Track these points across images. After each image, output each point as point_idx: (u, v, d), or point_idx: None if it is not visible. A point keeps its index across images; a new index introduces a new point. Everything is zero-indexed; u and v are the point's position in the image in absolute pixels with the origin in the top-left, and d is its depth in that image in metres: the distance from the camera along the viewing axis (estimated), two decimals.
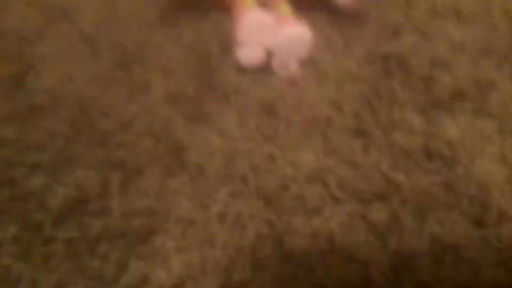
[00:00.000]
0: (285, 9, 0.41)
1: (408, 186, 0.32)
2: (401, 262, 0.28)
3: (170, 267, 0.29)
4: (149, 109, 0.37)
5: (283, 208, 0.31)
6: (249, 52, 0.40)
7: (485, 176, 0.32)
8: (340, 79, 0.39)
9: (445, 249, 0.29)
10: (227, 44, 0.41)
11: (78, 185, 0.33)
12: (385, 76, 0.39)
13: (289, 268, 0.28)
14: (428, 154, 0.34)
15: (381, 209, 0.31)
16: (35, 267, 0.29)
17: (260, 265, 0.29)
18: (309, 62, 0.40)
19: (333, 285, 0.28)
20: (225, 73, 0.40)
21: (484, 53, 0.40)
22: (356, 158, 0.34)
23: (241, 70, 0.40)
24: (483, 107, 0.36)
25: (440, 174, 0.32)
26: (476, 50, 0.40)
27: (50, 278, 0.28)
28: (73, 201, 0.32)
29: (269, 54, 0.40)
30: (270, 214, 0.31)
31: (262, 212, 0.31)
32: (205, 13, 0.45)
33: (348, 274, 0.28)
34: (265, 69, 0.40)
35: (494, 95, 0.37)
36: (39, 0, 0.49)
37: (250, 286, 0.28)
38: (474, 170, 0.32)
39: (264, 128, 0.36)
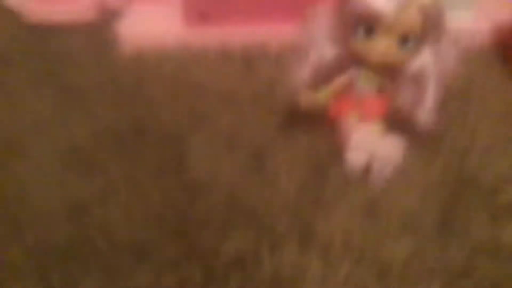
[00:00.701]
0: (379, 126, 0.55)
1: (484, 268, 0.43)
2: None
3: None
4: (282, 195, 0.50)
5: None
6: (355, 157, 0.53)
7: None
8: (425, 185, 0.51)
9: None
10: (336, 148, 0.55)
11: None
12: (460, 185, 0.51)
13: None
14: (496, 246, 0.45)
15: None
16: None
17: None
18: (400, 169, 0.53)
19: None
20: (336, 170, 0.53)
21: None
22: (442, 243, 0.45)
23: (349, 170, 0.53)
24: None
25: (508, 260, 0.44)
26: None
27: None
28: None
29: (370, 160, 0.53)
30: None
31: None
32: (316, 124, 0.59)
33: None
34: (367, 171, 0.53)
35: None
36: (184, 104, 0.64)
37: None
38: None
39: (369, 218, 0.48)
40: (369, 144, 0.52)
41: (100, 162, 0.54)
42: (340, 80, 0.58)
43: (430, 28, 0.54)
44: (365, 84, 0.57)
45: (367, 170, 0.53)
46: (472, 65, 0.71)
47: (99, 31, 0.81)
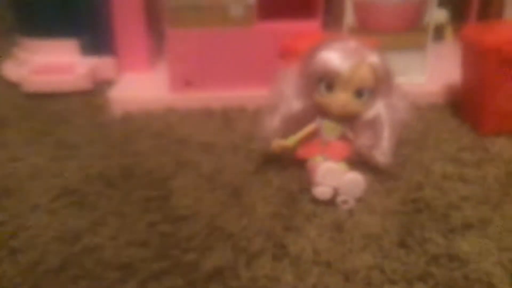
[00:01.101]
0: (343, 165, 0.62)
1: (440, 275, 0.48)
2: None
3: None
4: (257, 222, 0.56)
5: None
6: (321, 191, 0.59)
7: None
8: (385, 212, 0.57)
9: None
10: (305, 185, 0.61)
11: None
12: (416, 212, 0.57)
13: None
14: (450, 257, 0.50)
15: None
16: None
17: None
18: (362, 200, 0.59)
19: None
20: (305, 204, 0.59)
21: (483, 201, 0.59)
22: (400, 257, 0.50)
23: (316, 202, 0.59)
24: (485, 233, 0.54)
25: (457, 269, 0.49)
26: (476, 198, 0.60)
27: None
28: None
29: (335, 193, 0.59)
30: None
31: None
32: (287, 166, 0.66)
33: None
34: (332, 203, 0.59)
35: (491, 226, 0.55)
36: (169, 154, 0.70)
37: None
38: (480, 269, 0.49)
39: (335, 238, 0.53)
40: (333, 179, 0.59)
41: (91, 201, 0.60)
42: (307, 128, 0.66)
43: (380, 82, 0.63)
44: (328, 131, 0.65)
45: (332, 202, 0.59)
46: (428, 119, 0.81)
47: (92, 96, 0.89)
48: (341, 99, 0.63)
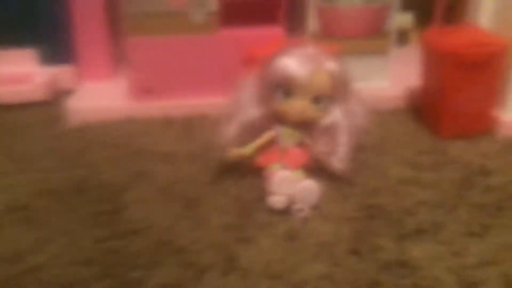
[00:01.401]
0: (300, 173, 0.61)
1: (390, 283, 0.48)
2: None
3: None
4: (209, 234, 0.55)
5: None
6: (276, 200, 0.58)
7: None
8: (339, 219, 0.57)
9: None
10: (261, 194, 0.60)
11: None
12: (370, 218, 0.57)
13: None
14: (400, 264, 0.50)
15: None
16: None
17: None
18: (317, 208, 0.59)
19: None
20: (260, 213, 0.58)
21: (438, 205, 0.59)
22: (351, 265, 0.50)
23: (272, 211, 0.58)
24: (437, 238, 0.54)
25: (407, 277, 0.48)
26: (431, 202, 0.59)
27: None
28: None
29: (290, 201, 0.58)
30: None
31: None
32: (244, 175, 0.65)
33: None
34: (287, 211, 0.58)
35: (444, 231, 0.55)
36: (125, 165, 0.69)
37: None
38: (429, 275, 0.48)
39: (288, 248, 0.53)
40: (288, 188, 0.58)
41: (38, 217, 0.58)
42: (265, 136, 0.65)
43: (338, 88, 0.63)
44: (286, 138, 0.64)
45: (288, 211, 0.58)
46: (389, 123, 0.81)
47: (50, 107, 0.87)
48: (298, 105, 0.62)
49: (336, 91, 0.63)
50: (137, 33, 0.81)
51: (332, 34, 0.86)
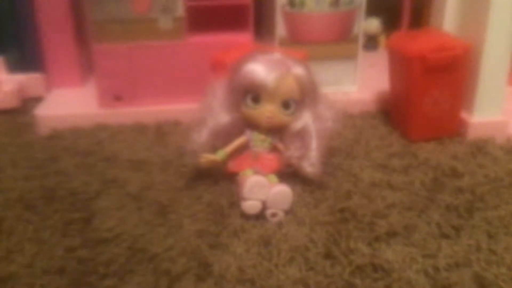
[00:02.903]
0: (273, 178, 0.62)
1: (363, 286, 0.48)
2: None
3: None
4: (183, 241, 0.54)
5: None
6: (249, 205, 0.58)
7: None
8: (313, 223, 0.57)
9: None
10: (234, 200, 0.60)
11: None
12: (343, 221, 0.57)
13: None
14: (373, 267, 0.50)
15: None
16: None
17: None
18: (291, 212, 0.59)
19: None
20: (234, 219, 0.58)
21: (409, 207, 0.60)
22: (325, 269, 0.50)
23: (245, 217, 0.58)
24: (409, 240, 0.55)
25: (380, 279, 0.49)
26: (402, 205, 0.60)
27: None
28: None
29: (264, 206, 0.58)
30: None
31: None
32: (217, 181, 0.64)
33: None
34: (261, 216, 0.58)
35: (416, 233, 0.56)
36: (96, 173, 0.68)
37: None
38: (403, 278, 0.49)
39: (262, 253, 0.53)
40: (261, 193, 0.58)
41: (8, 226, 0.57)
42: (236, 142, 0.65)
43: (306, 93, 0.63)
44: (258, 143, 0.65)
45: (262, 216, 0.58)
46: (359, 127, 0.82)
47: (18, 115, 0.85)
48: (268, 111, 0.63)
49: (305, 96, 0.64)
50: (104, 40, 0.80)
51: (300, 40, 0.87)
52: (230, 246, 0.53)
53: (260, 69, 0.61)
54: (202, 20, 0.83)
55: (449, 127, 0.78)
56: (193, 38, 0.83)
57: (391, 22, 1.15)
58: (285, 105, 0.62)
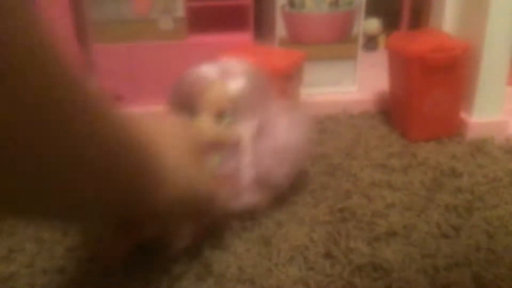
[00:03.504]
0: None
1: (363, 285, 0.48)
2: None
3: None
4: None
5: None
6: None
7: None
8: (312, 223, 0.57)
9: None
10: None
11: None
12: (342, 221, 0.58)
13: None
14: (373, 267, 0.51)
15: None
16: None
17: None
18: (291, 211, 0.59)
19: None
20: (234, 218, 0.58)
21: (408, 207, 0.60)
22: (325, 269, 0.50)
23: (244, 216, 0.58)
24: (409, 240, 0.55)
25: (380, 279, 0.49)
26: (401, 205, 0.60)
27: None
28: None
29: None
30: None
31: None
32: None
33: None
34: (261, 216, 0.58)
35: (416, 233, 0.56)
36: None
37: None
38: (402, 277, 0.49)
39: (262, 253, 0.53)
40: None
41: (9, 226, 0.56)
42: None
43: (243, 103, 0.55)
44: (209, 163, 0.56)
45: (261, 215, 0.58)
46: (359, 127, 0.82)
47: None
48: (201, 124, 0.56)
49: (241, 106, 0.56)
50: (104, 40, 0.81)
51: (300, 40, 0.87)
52: (229, 245, 0.53)
53: (188, 80, 0.57)
54: (202, 20, 0.83)
55: (449, 127, 0.78)
56: (194, 38, 0.83)
57: (390, 22, 1.15)
58: (219, 116, 0.56)
